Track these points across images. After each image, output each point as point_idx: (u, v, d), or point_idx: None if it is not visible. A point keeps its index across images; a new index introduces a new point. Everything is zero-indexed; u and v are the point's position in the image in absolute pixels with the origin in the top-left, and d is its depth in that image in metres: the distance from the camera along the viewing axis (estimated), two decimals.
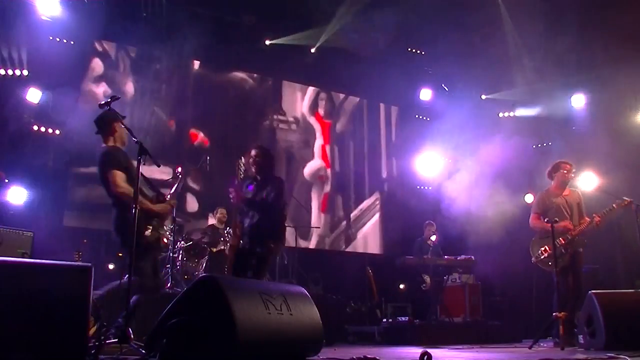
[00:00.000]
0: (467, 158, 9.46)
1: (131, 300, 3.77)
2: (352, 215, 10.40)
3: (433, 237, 8.08)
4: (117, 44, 8.65)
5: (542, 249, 5.68)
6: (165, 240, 5.27)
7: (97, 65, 8.51)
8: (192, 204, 8.84)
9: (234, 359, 2.87)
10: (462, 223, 8.89)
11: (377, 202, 10.71)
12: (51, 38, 7.70)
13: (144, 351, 3.24)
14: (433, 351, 3.53)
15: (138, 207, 3.79)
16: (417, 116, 10.93)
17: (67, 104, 7.59)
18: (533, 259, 5.79)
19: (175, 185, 4.59)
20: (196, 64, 9.37)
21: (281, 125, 10.08)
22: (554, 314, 5.16)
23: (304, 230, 9.26)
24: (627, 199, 5.50)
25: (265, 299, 3.18)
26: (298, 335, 3.39)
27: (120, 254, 6.92)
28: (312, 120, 10.41)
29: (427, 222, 8.40)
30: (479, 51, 9.29)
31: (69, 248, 6.31)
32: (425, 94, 10.49)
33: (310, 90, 10.46)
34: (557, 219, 5.42)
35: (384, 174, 10.99)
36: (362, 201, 10.59)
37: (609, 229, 7.31)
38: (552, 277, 5.37)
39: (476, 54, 9.37)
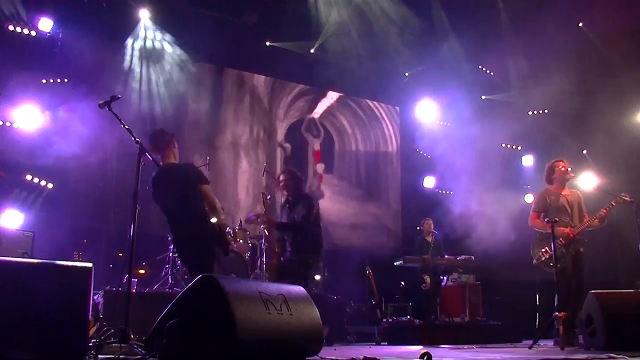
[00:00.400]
0: (467, 158, 9.47)
1: None
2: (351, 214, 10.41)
3: (431, 235, 8.09)
4: (114, 43, 8.64)
5: (543, 250, 5.67)
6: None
7: (96, 64, 8.50)
8: None
9: (234, 359, 2.87)
10: (462, 223, 8.90)
11: (375, 201, 10.70)
12: (53, 34, 7.69)
13: (144, 351, 3.24)
14: (433, 351, 3.53)
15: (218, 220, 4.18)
16: (417, 117, 10.92)
17: (67, 104, 7.59)
18: (534, 261, 5.77)
19: None
20: (193, 62, 9.37)
21: (280, 125, 10.08)
22: (554, 314, 5.16)
23: None
24: (625, 195, 5.49)
25: (265, 299, 3.18)
26: (298, 335, 3.39)
27: (120, 254, 6.93)
28: (307, 117, 10.40)
29: (424, 219, 8.42)
30: (479, 51, 9.30)
31: (69, 248, 6.32)
32: (425, 94, 10.49)
33: (309, 89, 10.46)
34: (557, 219, 5.42)
35: (384, 174, 10.98)
36: (361, 201, 10.59)
37: (608, 229, 7.31)
38: (552, 277, 5.36)
39: (476, 54, 9.38)
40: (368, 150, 10.93)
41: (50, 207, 7.30)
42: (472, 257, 7.67)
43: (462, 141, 9.49)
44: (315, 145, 10.39)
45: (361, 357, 3.50)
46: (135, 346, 3.48)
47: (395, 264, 7.62)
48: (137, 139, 3.95)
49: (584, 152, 8.85)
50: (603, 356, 3.81)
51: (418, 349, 5.26)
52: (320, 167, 10.32)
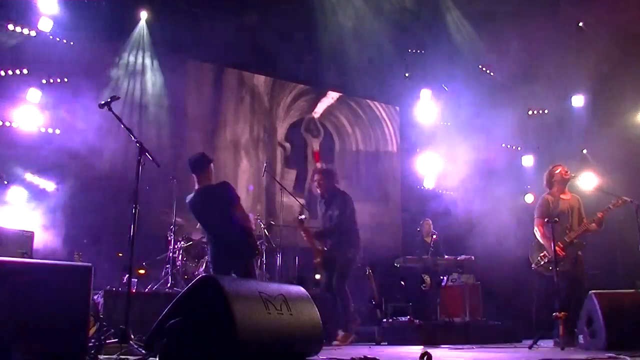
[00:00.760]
0: (467, 158, 9.47)
1: None
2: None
3: (432, 236, 8.08)
4: (114, 43, 8.65)
5: (541, 254, 5.68)
6: None
7: (96, 64, 8.50)
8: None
9: (233, 359, 2.87)
10: (462, 223, 8.90)
11: (375, 201, 10.70)
12: (51, 37, 7.69)
13: (144, 351, 3.24)
14: (433, 351, 3.53)
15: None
16: (417, 117, 10.92)
17: (67, 104, 7.59)
18: (533, 265, 5.77)
19: None
20: (192, 62, 9.38)
21: (279, 125, 10.08)
22: (554, 314, 5.16)
23: None
24: (623, 198, 5.49)
25: (265, 299, 3.18)
26: (298, 335, 3.39)
27: (120, 254, 6.93)
28: (307, 117, 10.40)
29: (423, 219, 8.42)
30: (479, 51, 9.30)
31: (69, 248, 6.32)
32: (425, 94, 10.48)
33: (308, 89, 10.46)
34: (557, 219, 5.42)
35: (384, 174, 10.98)
36: (361, 201, 10.57)
37: (608, 230, 7.31)
38: (552, 279, 5.36)
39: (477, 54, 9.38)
40: (368, 150, 10.93)
41: (50, 207, 7.30)
42: (472, 257, 7.67)
43: (462, 141, 9.49)
44: (315, 145, 10.39)
45: (361, 356, 3.50)
46: (135, 346, 3.48)
47: (395, 264, 7.61)
48: (137, 139, 3.96)
49: (584, 151, 8.85)
50: (603, 356, 3.81)
51: (418, 349, 5.26)
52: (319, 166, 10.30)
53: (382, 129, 11.16)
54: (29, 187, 7.07)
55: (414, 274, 7.93)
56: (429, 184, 10.42)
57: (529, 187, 9.32)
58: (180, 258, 6.94)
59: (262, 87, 10.06)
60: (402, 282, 8.69)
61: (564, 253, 5.51)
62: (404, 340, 6.50)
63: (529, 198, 8.93)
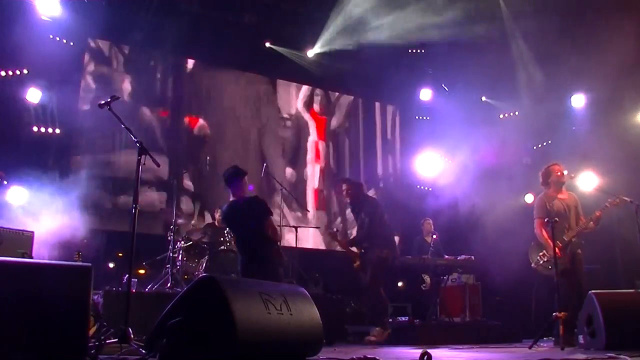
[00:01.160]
0: (467, 158, 9.47)
1: None
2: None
3: (433, 236, 8.08)
4: (113, 43, 8.65)
5: (540, 254, 5.70)
6: None
7: (96, 64, 8.52)
8: (189, 204, 8.85)
9: (234, 359, 2.87)
10: (462, 223, 8.90)
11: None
12: (51, 37, 7.69)
13: (144, 351, 3.24)
14: (433, 351, 3.53)
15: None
16: (417, 117, 10.93)
17: (67, 103, 7.59)
18: (532, 264, 5.80)
19: None
20: (191, 62, 9.38)
21: (278, 125, 10.08)
22: (554, 314, 5.16)
23: (302, 229, 9.25)
24: (622, 197, 5.50)
25: (265, 299, 3.18)
26: (298, 335, 3.38)
27: (120, 254, 6.93)
28: (307, 115, 10.40)
29: (424, 219, 8.41)
30: (479, 51, 9.28)
31: (69, 248, 6.31)
32: (425, 94, 10.48)
33: (306, 88, 10.46)
34: (557, 219, 5.43)
35: (380, 172, 10.99)
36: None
37: (608, 229, 7.30)
38: (552, 278, 5.37)
39: (477, 54, 9.37)
40: (368, 150, 10.94)
41: (50, 207, 7.30)
42: (472, 257, 7.67)
43: (461, 141, 9.48)
44: (317, 144, 10.39)
45: (361, 356, 3.50)
46: (135, 346, 3.48)
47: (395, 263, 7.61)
48: (137, 139, 3.95)
49: (584, 151, 8.83)
50: (603, 356, 3.81)
51: (418, 349, 5.26)
52: (319, 166, 10.32)
53: (382, 129, 11.17)
54: (29, 187, 7.06)
55: (414, 274, 7.93)
56: (429, 183, 10.42)
57: (529, 187, 9.31)
58: (180, 258, 6.95)
59: (262, 87, 10.07)
60: (401, 282, 8.71)
61: (562, 254, 5.51)
62: (404, 340, 6.50)
63: (529, 198, 8.92)
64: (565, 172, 5.84)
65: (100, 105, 4.06)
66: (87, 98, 8.23)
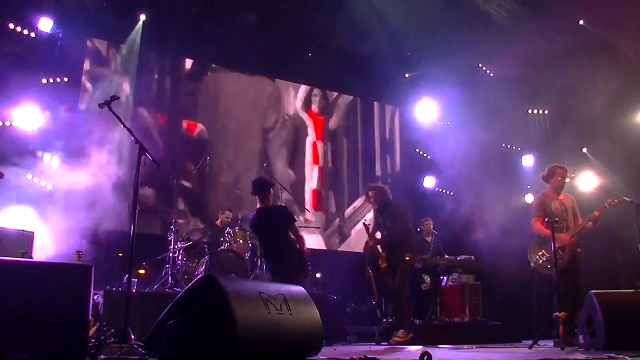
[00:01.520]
0: (467, 158, 9.46)
1: None
2: (345, 213, 10.40)
3: (431, 236, 8.08)
4: (114, 43, 8.65)
5: (540, 253, 5.71)
6: None
7: (96, 64, 8.52)
8: (189, 204, 8.85)
9: (234, 359, 2.87)
10: (462, 223, 8.89)
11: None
12: (53, 34, 7.68)
13: (144, 351, 3.24)
14: (433, 351, 3.53)
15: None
16: (416, 117, 10.92)
17: (67, 104, 7.60)
18: (532, 264, 5.80)
19: None
20: (190, 62, 9.38)
21: (278, 125, 10.08)
22: (554, 314, 5.16)
23: (301, 229, 9.26)
24: (622, 197, 5.51)
25: (265, 299, 3.19)
26: (298, 335, 3.39)
27: (120, 254, 6.93)
28: (305, 115, 10.41)
29: (424, 218, 8.41)
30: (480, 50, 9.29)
31: (69, 248, 6.30)
32: (425, 95, 10.47)
33: (304, 88, 10.46)
34: (557, 219, 5.44)
35: (378, 172, 10.99)
36: (355, 199, 10.58)
37: (608, 229, 7.31)
38: (551, 278, 5.37)
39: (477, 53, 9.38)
40: (368, 150, 10.93)
41: (50, 207, 7.30)
42: (472, 257, 7.67)
43: (462, 141, 9.48)
44: (315, 144, 10.39)
45: (361, 356, 3.50)
46: (135, 346, 3.48)
47: None
48: (137, 139, 3.95)
49: (584, 150, 8.85)
50: (603, 356, 3.81)
51: (418, 349, 5.26)
52: (318, 167, 10.33)
53: (382, 129, 11.17)
54: (29, 187, 7.06)
55: (414, 274, 7.92)
56: (429, 184, 10.42)
57: (528, 187, 9.32)
58: (180, 258, 6.95)
59: (262, 87, 10.07)
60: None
61: (571, 240, 5.56)
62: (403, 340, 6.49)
63: (529, 198, 8.92)
64: (568, 180, 5.87)
65: (100, 105, 4.06)
66: (85, 97, 8.23)
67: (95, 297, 5.11)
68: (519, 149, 10.21)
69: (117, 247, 7.00)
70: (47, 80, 7.64)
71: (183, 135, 9.08)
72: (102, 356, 3.36)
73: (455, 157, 9.52)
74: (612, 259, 8.16)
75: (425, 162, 10.63)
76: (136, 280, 6.33)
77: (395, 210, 6.17)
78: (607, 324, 4.56)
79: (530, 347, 5.13)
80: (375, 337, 7.10)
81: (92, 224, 7.25)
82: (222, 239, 7.21)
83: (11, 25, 7.35)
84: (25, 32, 7.50)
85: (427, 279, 7.63)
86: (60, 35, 7.82)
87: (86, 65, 8.42)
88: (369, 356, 3.49)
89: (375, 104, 11.23)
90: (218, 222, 7.73)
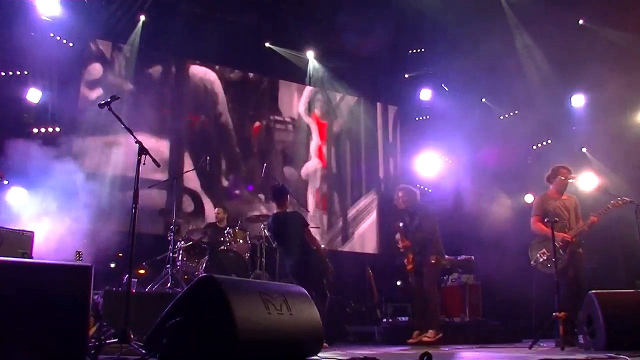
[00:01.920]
0: (467, 158, 9.46)
1: None
2: (348, 214, 10.40)
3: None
4: (113, 43, 8.65)
5: (541, 252, 5.71)
6: None
7: (96, 64, 8.52)
8: (189, 204, 8.85)
9: (233, 359, 2.87)
10: (462, 223, 8.89)
11: (374, 202, 10.71)
12: (52, 35, 7.68)
13: (144, 351, 3.24)
14: (433, 351, 3.53)
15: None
16: (417, 117, 10.93)
17: (67, 103, 7.59)
18: (532, 262, 5.81)
19: None
20: (190, 62, 9.38)
21: (278, 126, 10.08)
22: (554, 314, 5.16)
23: None
24: (623, 198, 5.51)
25: (265, 299, 3.18)
26: (298, 335, 3.39)
27: (120, 254, 6.92)
28: (309, 119, 10.41)
29: None
30: (480, 51, 9.28)
31: (69, 248, 6.30)
32: (425, 94, 10.47)
33: (307, 88, 10.46)
34: (557, 219, 5.44)
35: (381, 174, 10.99)
36: (359, 200, 10.58)
37: (608, 229, 7.30)
38: (552, 278, 5.37)
39: (477, 55, 9.36)
40: (368, 150, 10.93)
41: (51, 207, 7.30)
42: (472, 257, 7.66)
43: (461, 141, 9.48)
44: (316, 145, 10.39)
45: (361, 356, 3.50)
46: (135, 346, 3.48)
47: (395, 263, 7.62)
48: (137, 139, 3.96)
49: (584, 149, 8.84)
50: (603, 356, 3.81)
51: (418, 349, 5.26)
52: (320, 167, 10.33)
53: (382, 129, 11.16)
54: (29, 187, 7.06)
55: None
56: (428, 184, 10.42)
57: (528, 187, 9.32)
58: (180, 258, 6.95)
59: (262, 87, 10.07)
60: (399, 282, 8.71)
61: (572, 240, 5.56)
62: (404, 340, 6.50)
63: (529, 198, 8.92)
64: (571, 180, 5.87)
65: (101, 105, 4.06)
66: (86, 98, 8.23)
67: (95, 297, 5.10)
68: (519, 148, 10.20)
69: (117, 247, 7.00)
70: (48, 81, 7.64)
71: (184, 135, 9.07)
72: (102, 356, 3.37)
73: (455, 157, 9.53)
74: (612, 259, 8.15)
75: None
76: (136, 280, 6.33)
77: (425, 212, 6.31)
78: (607, 324, 4.56)
79: (530, 347, 5.13)
80: (375, 337, 7.10)
81: (92, 224, 7.25)
82: (222, 239, 7.21)
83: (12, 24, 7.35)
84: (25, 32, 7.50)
85: None
86: (61, 36, 7.83)
87: (87, 65, 8.43)
88: (369, 356, 3.50)
89: (378, 104, 11.22)
90: (215, 220, 7.75)
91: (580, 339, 5.07)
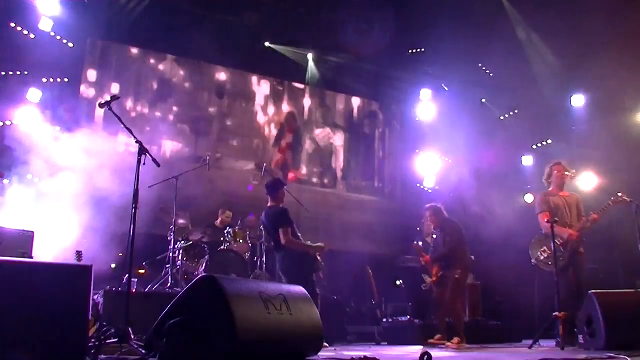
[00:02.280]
0: (467, 158, 9.46)
1: None
2: (348, 214, 10.39)
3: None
4: (114, 43, 8.65)
5: (541, 250, 5.70)
6: None
7: (96, 65, 8.52)
8: (190, 204, 8.84)
9: (234, 359, 2.87)
10: (462, 223, 8.88)
11: (374, 202, 10.70)
12: (52, 35, 7.68)
13: (144, 351, 3.24)
14: (433, 351, 3.53)
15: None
16: (417, 117, 10.92)
17: (67, 103, 7.59)
18: (533, 260, 5.81)
19: None
20: (190, 62, 9.38)
21: (278, 123, 10.08)
22: (554, 314, 5.16)
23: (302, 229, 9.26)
24: (622, 195, 5.51)
25: (265, 299, 3.19)
26: (298, 335, 3.39)
27: (120, 254, 6.92)
28: (306, 117, 10.40)
29: (424, 219, 8.39)
30: (480, 51, 9.28)
31: (69, 248, 6.30)
32: (425, 94, 10.46)
33: (306, 88, 10.45)
34: (557, 219, 5.44)
35: (381, 173, 10.98)
36: (359, 200, 10.58)
37: (608, 229, 7.30)
38: (552, 277, 5.37)
39: (477, 55, 9.37)
40: (368, 151, 10.93)
41: (51, 207, 7.30)
42: (472, 257, 7.66)
43: (461, 141, 9.48)
44: (315, 144, 10.39)
45: (361, 356, 3.50)
46: (135, 346, 3.48)
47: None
48: (137, 139, 3.96)
49: (583, 150, 8.84)
50: (603, 356, 3.81)
51: (418, 349, 5.26)
52: (319, 167, 10.32)
53: (382, 129, 11.16)
54: (29, 186, 7.05)
55: (414, 274, 7.92)
56: (429, 183, 10.43)
57: (528, 187, 9.32)
58: (180, 258, 6.94)
59: (262, 87, 10.06)
60: (399, 282, 8.71)
61: (577, 234, 5.55)
62: (404, 340, 6.51)
63: (529, 198, 8.93)
64: (567, 173, 5.86)
65: (101, 105, 4.06)
66: (86, 98, 8.22)
67: (95, 297, 5.10)
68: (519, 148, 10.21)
69: (117, 247, 7.00)
70: (48, 81, 7.63)
71: (184, 135, 9.07)
72: (102, 356, 3.37)
73: (455, 157, 9.52)
74: (612, 259, 8.16)
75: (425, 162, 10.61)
76: (136, 280, 6.33)
77: (452, 229, 6.33)
78: (607, 324, 4.56)
79: (530, 347, 5.14)
80: (375, 337, 7.10)
81: (93, 224, 7.25)
82: (222, 239, 7.21)
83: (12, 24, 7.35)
84: (26, 32, 7.50)
85: (427, 279, 7.63)
86: (61, 36, 7.82)
87: (94, 67, 8.44)
88: (369, 356, 3.50)
89: (377, 103, 11.21)
90: (218, 222, 7.72)
91: (580, 339, 5.07)
